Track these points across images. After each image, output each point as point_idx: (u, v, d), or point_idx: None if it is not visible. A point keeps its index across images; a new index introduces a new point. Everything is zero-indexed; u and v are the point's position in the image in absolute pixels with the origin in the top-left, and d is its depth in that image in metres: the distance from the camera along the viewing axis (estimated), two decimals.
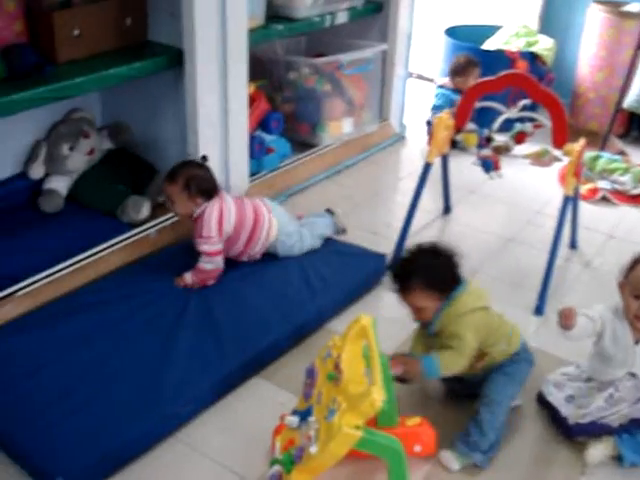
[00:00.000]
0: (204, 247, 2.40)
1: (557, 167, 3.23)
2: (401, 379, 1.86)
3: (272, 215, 2.54)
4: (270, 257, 2.57)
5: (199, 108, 2.56)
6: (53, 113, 2.81)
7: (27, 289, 2.28)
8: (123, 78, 2.43)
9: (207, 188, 2.43)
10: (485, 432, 1.83)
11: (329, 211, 2.81)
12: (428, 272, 1.88)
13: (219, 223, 2.41)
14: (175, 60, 2.53)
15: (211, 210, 2.41)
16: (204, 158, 2.51)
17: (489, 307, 1.93)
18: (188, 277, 2.41)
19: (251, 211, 2.50)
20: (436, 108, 3.82)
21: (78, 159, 2.75)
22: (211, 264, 2.40)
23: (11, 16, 2.29)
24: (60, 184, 2.76)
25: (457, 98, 3.81)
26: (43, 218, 2.68)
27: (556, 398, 1.98)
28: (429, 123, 3.84)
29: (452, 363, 1.85)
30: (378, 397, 1.46)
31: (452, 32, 4.30)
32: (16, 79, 2.21)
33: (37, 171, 2.74)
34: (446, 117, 2.65)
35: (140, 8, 2.61)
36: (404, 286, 1.90)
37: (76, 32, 2.41)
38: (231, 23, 2.56)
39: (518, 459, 1.89)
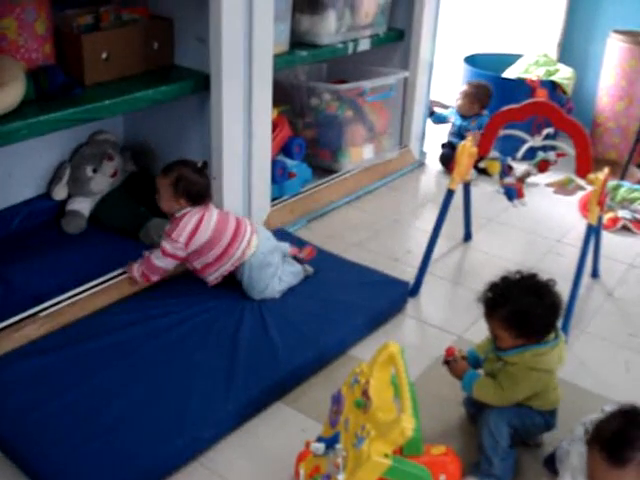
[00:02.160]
0: (165, 245, 2.38)
1: (578, 196, 3.22)
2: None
3: (254, 237, 2.48)
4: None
5: (223, 132, 2.57)
6: (77, 135, 2.84)
7: (50, 309, 2.28)
8: (150, 101, 2.44)
9: (194, 193, 2.40)
10: (489, 457, 1.81)
11: (298, 260, 2.64)
12: (521, 310, 1.80)
13: (191, 233, 2.38)
14: (201, 84, 2.55)
15: (190, 218, 2.39)
16: (204, 164, 2.49)
17: (556, 370, 1.89)
18: (135, 267, 2.43)
19: (232, 228, 2.45)
20: (437, 118, 3.96)
21: (101, 181, 2.77)
22: (161, 262, 2.40)
23: (41, 38, 2.32)
24: (83, 205, 2.78)
25: (454, 119, 3.87)
26: (66, 239, 2.70)
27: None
28: (445, 146, 3.87)
29: (488, 395, 1.84)
30: (408, 425, 1.45)
31: (472, 60, 4.32)
32: (44, 100, 2.23)
33: (60, 192, 2.76)
34: (469, 144, 2.65)
35: (167, 33, 2.64)
36: (490, 306, 1.84)
37: (104, 55, 2.43)
38: (257, 49, 2.58)
39: None
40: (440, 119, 3.96)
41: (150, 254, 2.42)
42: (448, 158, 3.77)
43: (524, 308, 1.79)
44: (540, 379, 1.83)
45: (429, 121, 3.94)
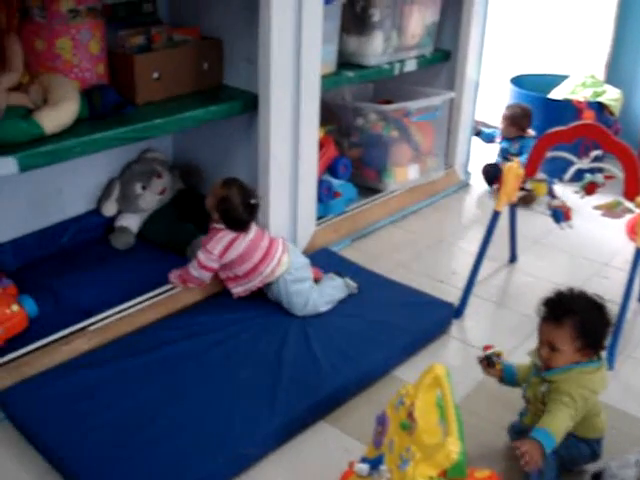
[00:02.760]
0: (200, 255, 2.43)
1: (626, 219, 3.18)
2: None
3: (285, 256, 2.51)
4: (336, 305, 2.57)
5: (271, 152, 2.60)
6: (127, 152, 2.90)
7: (99, 324, 2.32)
8: (199, 121, 2.48)
9: (230, 219, 2.44)
10: None
11: (338, 274, 2.65)
12: (590, 320, 1.80)
13: (226, 247, 2.43)
14: (250, 104, 2.59)
15: (225, 234, 2.44)
16: (257, 202, 2.48)
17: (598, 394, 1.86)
18: (175, 272, 2.49)
19: (265, 247, 2.48)
20: (486, 137, 3.95)
21: (150, 198, 2.82)
22: (197, 273, 2.45)
23: (95, 58, 2.38)
24: (131, 222, 2.83)
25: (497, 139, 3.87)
26: (115, 254, 2.76)
27: None
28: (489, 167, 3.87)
29: (565, 422, 1.76)
30: (454, 449, 1.44)
31: (518, 81, 4.30)
32: (97, 119, 2.28)
33: (110, 208, 2.81)
34: (516, 166, 2.64)
35: (217, 53, 2.69)
36: (558, 316, 1.81)
37: (155, 75, 2.48)
38: (305, 70, 2.60)
39: None
40: (489, 137, 3.94)
41: (188, 265, 2.47)
42: (489, 172, 3.80)
43: (594, 319, 1.80)
44: (587, 398, 1.79)
45: (477, 140, 3.93)
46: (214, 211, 2.45)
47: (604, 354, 1.90)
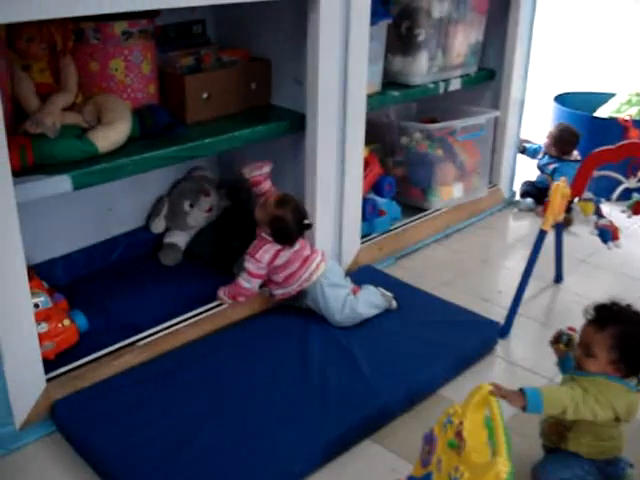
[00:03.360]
0: (249, 265, 2.47)
1: None
2: None
3: (323, 263, 2.56)
4: (379, 322, 2.56)
5: (317, 171, 2.63)
6: (176, 171, 2.95)
7: (148, 339, 2.36)
8: (247, 140, 2.52)
9: (280, 235, 2.48)
10: None
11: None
12: (633, 335, 1.76)
13: (273, 257, 2.48)
14: (296, 124, 2.61)
15: (273, 245, 2.48)
16: (309, 224, 2.53)
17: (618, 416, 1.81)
18: (222, 290, 2.51)
19: (305, 254, 2.54)
20: (530, 152, 3.93)
21: (198, 216, 2.86)
22: (248, 284, 2.48)
23: (146, 79, 2.43)
24: (180, 239, 2.87)
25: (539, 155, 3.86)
26: (163, 270, 2.80)
27: None
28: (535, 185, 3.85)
29: (562, 394, 1.74)
30: (503, 469, 1.44)
31: (562, 99, 4.28)
32: (148, 138, 2.33)
33: (158, 225, 2.86)
34: (563, 185, 2.63)
35: (265, 74, 2.73)
36: (602, 321, 1.79)
37: (205, 95, 2.52)
38: (351, 90, 2.62)
39: None
40: (534, 152, 3.92)
41: (237, 278, 2.50)
42: (528, 193, 3.83)
43: (637, 335, 1.77)
44: (601, 404, 1.74)
45: (523, 157, 3.92)
46: (265, 225, 2.49)
47: None
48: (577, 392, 1.75)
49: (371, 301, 2.57)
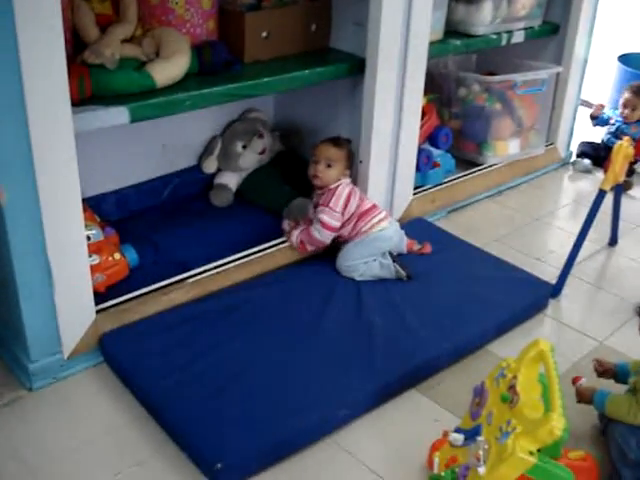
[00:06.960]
0: (323, 216, 2.46)
1: None
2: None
3: (389, 220, 2.55)
4: (428, 275, 2.53)
5: (374, 117, 2.57)
6: (229, 110, 2.91)
7: (196, 277, 2.35)
8: (305, 82, 2.47)
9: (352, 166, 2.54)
10: (618, 470, 1.75)
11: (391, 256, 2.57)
12: None
13: (345, 202, 2.48)
14: (356, 68, 2.56)
15: (344, 188, 2.49)
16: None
17: None
18: (295, 235, 2.52)
19: (368, 205, 2.53)
20: (600, 121, 3.82)
21: (250, 157, 2.84)
22: (320, 235, 2.47)
23: (206, 14, 2.38)
24: (231, 180, 2.86)
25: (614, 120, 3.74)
26: (213, 211, 2.79)
27: None
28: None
29: (621, 410, 1.78)
30: (558, 425, 1.41)
31: (626, 59, 4.15)
32: (206, 74, 2.29)
33: (210, 165, 2.84)
34: (626, 144, 2.55)
35: (326, 15, 2.66)
36: None
37: (264, 34, 2.48)
38: (413, 35, 2.56)
39: None
40: (603, 122, 3.80)
41: (309, 227, 2.49)
42: (585, 154, 3.73)
43: None
44: None
45: (588, 122, 3.81)
46: (342, 171, 2.51)
47: None
48: (633, 399, 1.77)
49: (375, 274, 2.51)
